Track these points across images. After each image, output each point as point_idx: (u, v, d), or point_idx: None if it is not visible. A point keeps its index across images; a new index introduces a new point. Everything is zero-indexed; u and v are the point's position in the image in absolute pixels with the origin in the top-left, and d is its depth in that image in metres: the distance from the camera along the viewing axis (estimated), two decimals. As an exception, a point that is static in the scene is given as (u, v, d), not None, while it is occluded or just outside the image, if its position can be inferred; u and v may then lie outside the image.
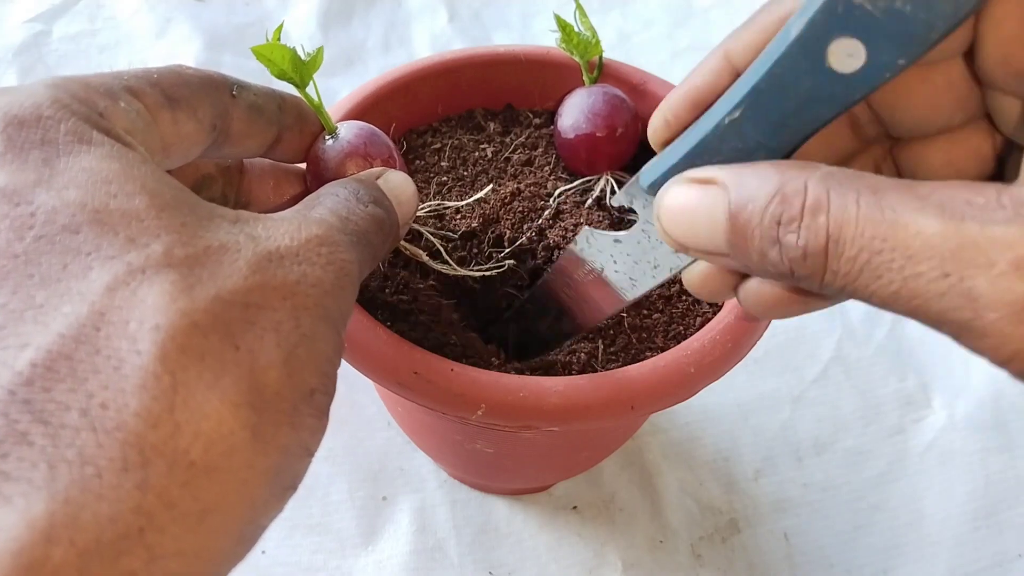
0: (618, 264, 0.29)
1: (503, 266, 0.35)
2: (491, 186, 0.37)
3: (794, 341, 0.58)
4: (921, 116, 0.24)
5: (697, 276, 0.26)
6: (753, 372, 0.55)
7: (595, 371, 0.33)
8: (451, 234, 0.36)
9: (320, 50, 0.29)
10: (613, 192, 0.40)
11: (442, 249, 0.34)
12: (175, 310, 0.18)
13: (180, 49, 0.70)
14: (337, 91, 0.67)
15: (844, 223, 0.19)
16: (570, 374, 0.32)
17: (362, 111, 0.38)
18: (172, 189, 0.20)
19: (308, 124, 0.30)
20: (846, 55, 0.20)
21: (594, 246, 0.29)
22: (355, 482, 0.49)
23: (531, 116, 0.44)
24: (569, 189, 0.40)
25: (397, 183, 0.29)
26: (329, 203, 0.24)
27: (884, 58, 0.20)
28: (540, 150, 0.42)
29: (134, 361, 0.17)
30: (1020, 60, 0.20)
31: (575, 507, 0.49)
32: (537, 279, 0.36)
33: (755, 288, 0.25)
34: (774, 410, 0.55)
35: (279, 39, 0.28)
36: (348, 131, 0.30)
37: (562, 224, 0.37)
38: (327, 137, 0.30)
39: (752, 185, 0.21)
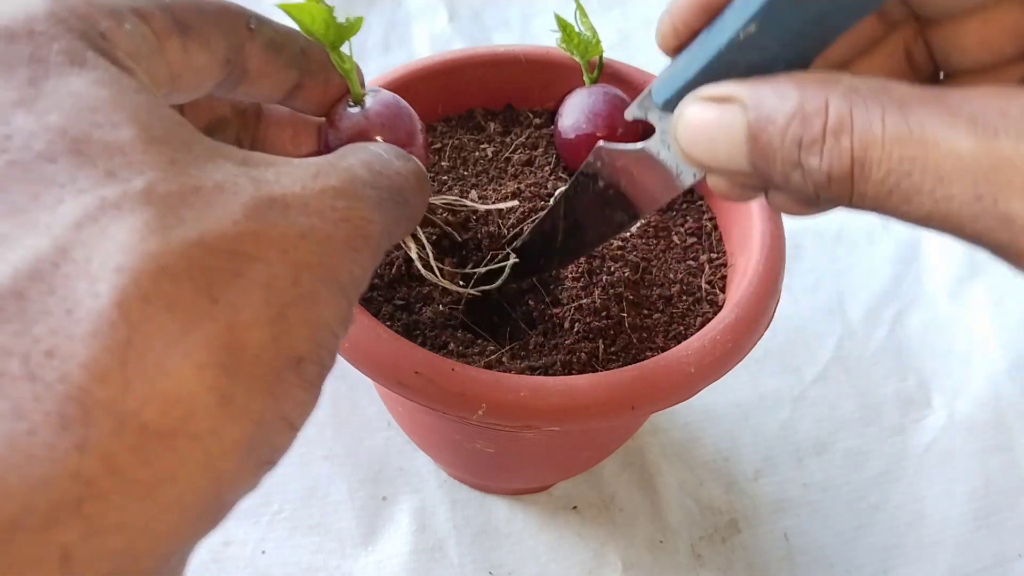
0: (641, 171, 0.27)
1: (503, 267, 0.35)
2: (516, 201, 0.36)
3: (794, 341, 0.58)
4: None
5: (724, 182, 0.24)
6: (753, 372, 0.55)
7: (595, 371, 0.33)
8: (454, 233, 0.36)
9: (359, 19, 0.26)
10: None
11: (430, 254, 0.32)
12: (143, 251, 0.15)
13: (180, 49, 0.70)
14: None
15: (870, 144, 0.18)
16: (570, 374, 0.32)
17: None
18: (167, 122, 0.18)
19: (334, 76, 0.27)
20: None
21: (608, 161, 0.27)
22: (355, 482, 0.49)
23: (531, 116, 0.44)
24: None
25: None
26: (362, 155, 0.22)
27: None
28: (540, 150, 0.42)
29: (89, 304, 0.15)
30: None
31: (575, 507, 0.49)
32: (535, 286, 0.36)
33: (783, 197, 0.23)
34: (774, 410, 0.55)
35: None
36: (375, 102, 0.28)
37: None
38: (351, 103, 0.28)
39: (771, 103, 0.19)
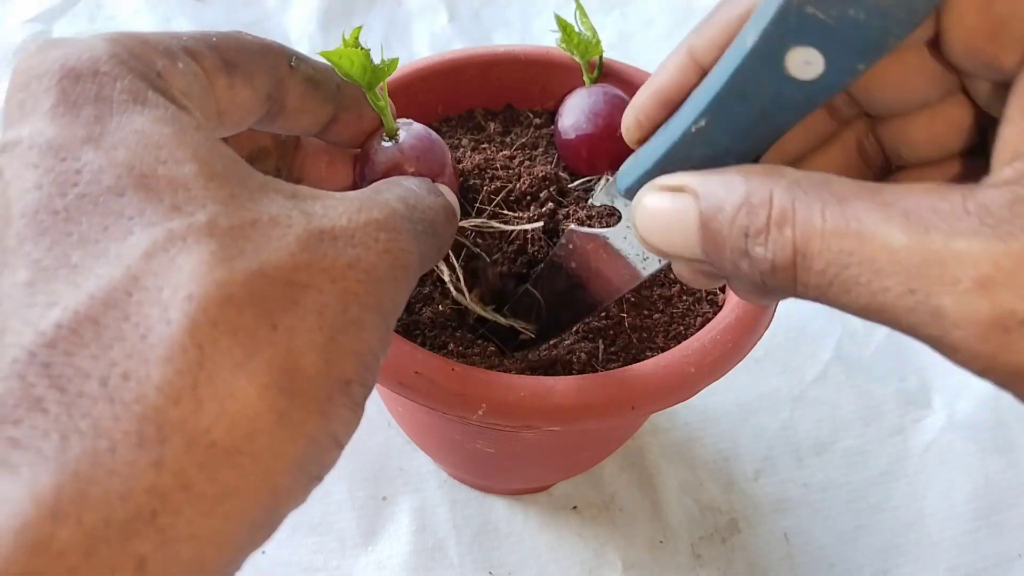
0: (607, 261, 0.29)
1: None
2: (540, 222, 0.36)
3: (794, 341, 0.58)
4: (897, 96, 0.23)
5: (685, 270, 0.26)
6: (753, 372, 0.55)
7: (595, 371, 0.33)
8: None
9: (395, 60, 0.28)
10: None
11: (460, 277, 0.33)
12: (211, 280, 0.17)
13: (180, 49, 0.70)
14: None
15: (810, 236, 0.18)
16: (570, 374, 0.32)
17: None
18: (224, 158, 0.20)
19: (367, 110, 0.28)
20: (804, 63, 0.20)
21: (578, 244, 0.29)
22: (355, 482, 0.49)
23: (531, 116, 0.44)
24: (570, 189, 0.40)
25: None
26: (397, 190, 0.23)
27: (842, 64, 0.19)
28: (540, 150, 0.42)
29: (162, 331, 0.16)
30: (984, 51, 0.20)
31: (575, 507, 0.49)
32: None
33: (738, 284, 0.24)
34: (774, 410, 0.54)
35: (356, 43, 0.27)
36: (408, 136, 0.29)
37: (567, 211, 0.37)
38: (385, 137, 0.29)
39: (720, 194, 0.20)
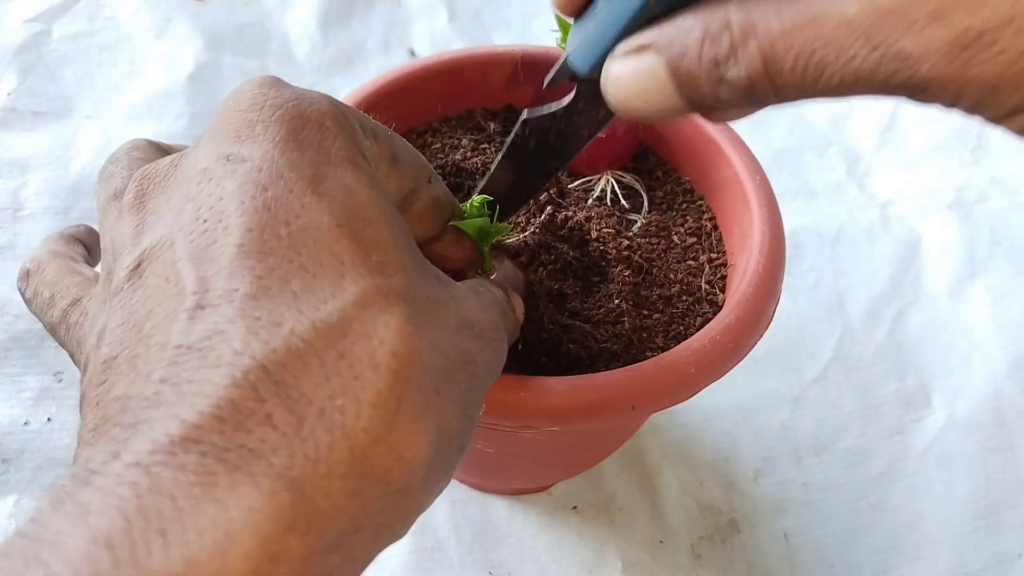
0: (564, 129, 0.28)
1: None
2: (538, 224, 0.37)
3: (794, 341, 0.58)
4: None
5: (667, 118, 0.26)
6: (753, 372, 0.55)
7: (595, 371, 0.33)
8: None
9: (507, 227, 0.32)
10: (614, 192, 0.40)
11: None
12: (409, 342, 0.19)
13: (180, 49, 0.70)
14: (337, 91, 0.67)
15: (774, 40, 0.19)
16: (570, 374, 0.32)
17: (362, 111, 0.38)
18: (405, 233, 0.22)
19: (464, 243, 0.31)
20: None
21: (532, 127, 0.29)
22: (355, 482, 0.49)
23: (531, 116, 0.44)
24: (570, 189, 0.40)
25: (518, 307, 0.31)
26: (493, 296, 0.27)
27: None
28: (540, 150, 0.42)
29: (370, 378, 0.18)
30: None
31: (575, 507, 0.49)
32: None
33: (720, 113, 0.25)
34: (774, 410, 0.55)
35: (477, 212, 0.30)
36: (501, 274, 0.33)
37: (567, 213, 0.37)
38: (480, 272, 0.32)
39: (680, 38, 0.21)
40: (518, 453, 0.40)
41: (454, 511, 0.48)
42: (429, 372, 0.19)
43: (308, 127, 0.22)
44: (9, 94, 0.65)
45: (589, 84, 0.26)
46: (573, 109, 0.27)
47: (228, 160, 0.21)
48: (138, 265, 0.21)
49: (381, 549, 0.20)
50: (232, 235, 0.19)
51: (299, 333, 0.18)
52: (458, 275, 0.33)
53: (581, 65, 0.25)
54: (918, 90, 0.19)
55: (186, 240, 0.20)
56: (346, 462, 0.17)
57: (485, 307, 0.24)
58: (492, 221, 0.31)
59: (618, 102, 0.23)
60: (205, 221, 0.20)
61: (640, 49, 0.22)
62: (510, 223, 0.37)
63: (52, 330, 0.26)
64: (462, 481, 0.49)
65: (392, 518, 0.19)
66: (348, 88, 0.42)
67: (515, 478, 0.47)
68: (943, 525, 0.50)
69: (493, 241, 0.32)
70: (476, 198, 0.30)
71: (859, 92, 0.20)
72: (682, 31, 0.21)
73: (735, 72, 0.20)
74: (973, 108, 0.19)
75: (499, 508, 0.49)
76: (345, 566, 0.18)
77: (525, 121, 0.29)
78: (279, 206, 0.20)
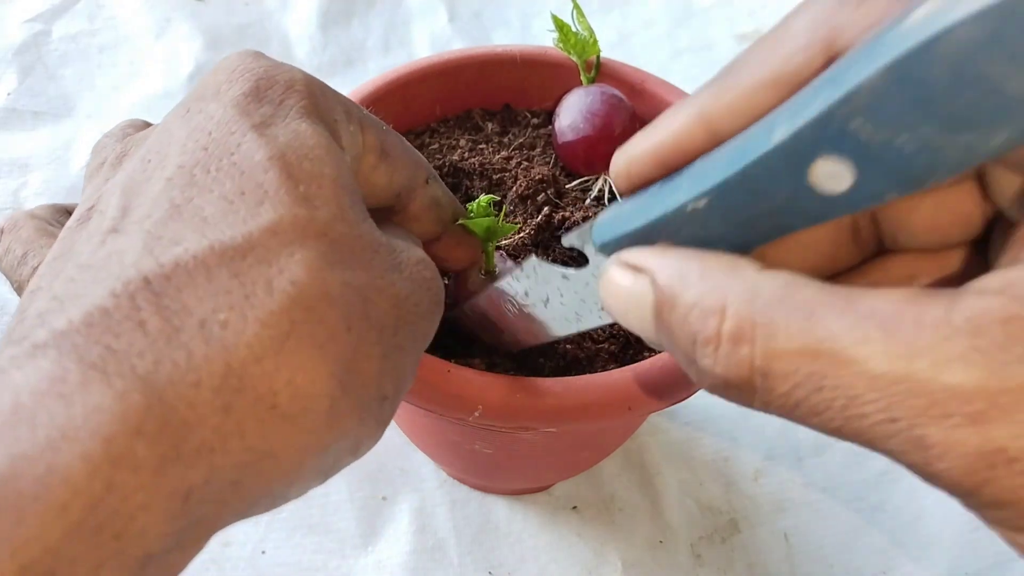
0: (564, 297, 0.27)
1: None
2: (532, 225, 0.37)
3: (794, 341, 0.57)
4: (919, 230, 0.21)
5: None
6: (753, 372, 0.55)
7: (593, 371, 0.33)
8: None
9: (514, 227, 0.31)
10: (611, 192, 0.40)
11: None
12: (315, 275, 0.19)
13: (180, 49, 0.70)
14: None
15: (773, 357, 0.17)
16: (567, 375, 0.32)
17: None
18: (352, 179, 0.22)
19: (465, 242, 0.31)
20: (830, 176, 0.17)
21: (541, 276, 0.27)
22: (355, 482, 0.49)
23: (529, 116, 0.44)
24: (568, 189, 0.40)
25: None
26: (416, 241, 0.27)
27: (873, 188, 0.17)
28: (538, 150, 0.42)
29: (263, 298, 0.18)
30: None
31: (575, 507, 0.49)
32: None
33: None
34: (774, 410, 0.54)
35: (483, 211, 0.30)
36: (502, 273, 0.32)
37: (564, 214, 0.37)
38: (483, 272, 0.32)
39: (674, 287, 0.19)
40: (517, 453, 0.40)
41: (454, 511, 0.48)
42: (338, 307, 0.19)
43: (274, 87, 0.22)
44: (9, 94, 0.65)
45: (599, 261, 0.24)
46: (585, 281, 0.26)
47: (188, 112, 0.22)
48: (89, 207, 0.21)
49: (264, 487, 0.18)
50: (165, 171, 0.20)
51: (193, 251, 0.18)
52: (460, 277, 0.33)
53: (597, 237, 0.24)
54: (924, 475, 0.17)
55: (129, 179, 0.21)
56: (220, 375, 0.17)
57: (413, 247, 0.24)
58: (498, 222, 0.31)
59: (604, 304, 0.22)
60: (148, 162, 0.21)
61: (638, 269, 0.20)
62: (515, 223, 0.37)
63: (19, 290, 0.26)
64: (462, 481, 0.49)
65: (277, 446, 0.18)
66: (348, 88, 0.42)
67: (515, 478, 0.47)
68: (943, 525, 0.50)
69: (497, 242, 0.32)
70: (484, 197, 0.30)
71: (852, 442, 0.17)
72: (679, 279, 0.19)
73: (709, 364, 0.18)
74: (975, 508, 0.17)
75: (499, 508, 0.49)
76: (208, 486, 0.17)
77: (537, 262, 0.27)
78: (217, 146, 0.20)
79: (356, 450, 0.21)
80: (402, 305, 0.21)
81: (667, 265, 0.20)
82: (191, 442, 0.16)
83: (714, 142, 0.21)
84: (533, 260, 0.27)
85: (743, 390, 0.18)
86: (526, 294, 0.28)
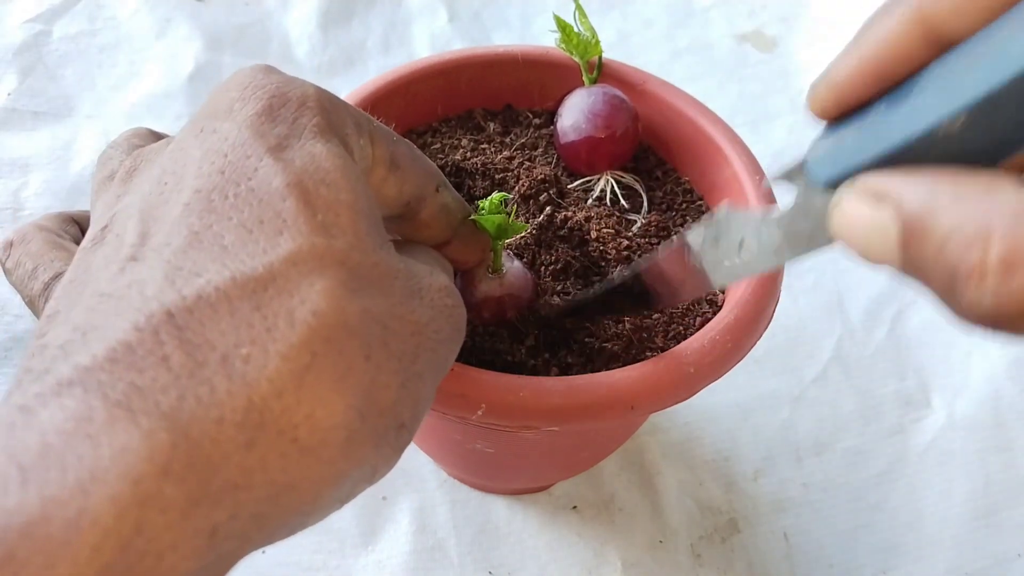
0: (762, 239, 0.24)
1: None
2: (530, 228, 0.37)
3: (794, 341, 0.58)
4: None
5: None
6: (753, 372, 0.55)
7: (595, 371, 0.33)
8: None
9: (522, 226, 0.31)
10: (614, 192, 0.40)
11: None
12: (335, 304, 0.19)
13: (180, 49, 0.70)
14: (337, 91, 0.66)
15: None
16: (571, 374, 0.32)
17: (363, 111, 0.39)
18: (370, 202, 0.22)
19: (476, 244, 0.31)
20: None
21: (733, 223, 0.25)
22: (355, 482, 0.49)
23: (531, 116, 0.44)
24: (570, 189, 0.40)
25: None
26: (441, 264, 0.27)
27: None
28: (540, 150, 0.42)
29: (284, 331, 0.18)
30: None
31: (575, 507, 0.49)
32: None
33: None
34: (774, 410, 0.54)
35: (495, 209, 0.30)
36: (511, 274, 0.33)
37: (566, 214, 0.37)
38: (491, 272, 0.32)
39: (924, 216, 0.17)
40: (518, 453, 0.40)
41: (454, 511, 0.48)
42: (358, 336, 0.19)
43: (287, 105, 0.22)
44: (9, 94, 0.65)
45: (815, 197, 0.22)
46: (791, 220, 0.23)
47: (201, 131, 0.21)
48: (103, 227, 0.21)
49: (284, 519, 0.18)
50: (182, 195, 0.20)
51: (215, 283, 0.18)
52: (466, 276, 0.33)
53: (818, 173, 0.21)
54: None
55: (144, 201, 0.20)
56: (242, 410, 0.17)
57: (435, 274, 0.24)
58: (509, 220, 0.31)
59: (837, 234, 0.20)
60: (165, 184, 0.21)
61: (880, 197, 0.18)
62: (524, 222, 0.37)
63: (31, 304, 0.26)
64: (462, 481, 0.49)
65: (297, 479, 0.18)
66: (348, 88, 0.42)
67: (515, 478, 0.47)
68: (943, 525, 0.50)
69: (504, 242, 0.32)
70: (496, 195, 0.30)
71: None
72: (929, 203, 0.17)
73: (974, 297, 0.16)
74: None
75: (499, 508, 0.49)
76: (233, 523, 0.17)
77: (728, 209, 0.25)
78: (233, 170, 0.20)
79: (373, 476, 0.21)
80: (422, 332, 0.21)
81: (914, 190, 0.17)
82: (217, 480, 0.16)
83: (939, 49, 0.18)
84: (724, 208, 0.26)
85: (1016, 323, 0.16)
86: (715, 241, 0.26)
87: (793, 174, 0.22)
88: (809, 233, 0.22)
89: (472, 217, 0.29)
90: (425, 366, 0.21)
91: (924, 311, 0.60)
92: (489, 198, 0.30)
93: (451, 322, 0.23)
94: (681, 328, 0.35)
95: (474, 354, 0.33)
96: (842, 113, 0.21)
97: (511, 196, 0.38)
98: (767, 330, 0.34)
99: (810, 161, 0.21)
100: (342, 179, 0.21)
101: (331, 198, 0.20)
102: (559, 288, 0.35)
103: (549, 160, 0.41)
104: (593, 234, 0.37)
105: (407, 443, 0.21)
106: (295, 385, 0.18)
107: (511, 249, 0.36)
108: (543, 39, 0.43)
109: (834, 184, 0.20)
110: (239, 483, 0.17)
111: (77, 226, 0.31)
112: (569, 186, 0.40)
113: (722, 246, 0.26)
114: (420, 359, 0.21)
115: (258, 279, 0.18)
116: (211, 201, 0.19)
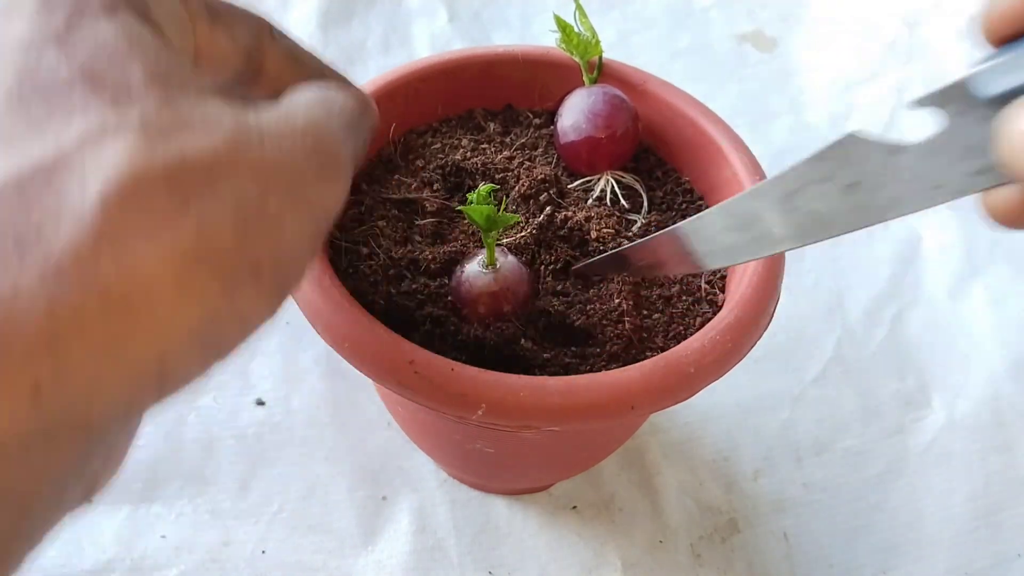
0: (903, 173, 0.23)
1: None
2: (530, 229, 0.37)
3: (794, 341, 0.58)
4: None
5: (1003, 201, 0.22)
6: (753, 372, 0.55)
7: (595, 371, 0.33)
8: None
9: (513, 218, 0.31)
10: (614, 192, 0.40)
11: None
12: (129, 165, 0.18)
13: (180, 49, 0.70)
14: (337, 91, 0.67)
15: None
16: (572, 374, 0.32)
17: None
18: (172, 65, 0.21)
19: (352, 92, 0.29)
20: None
21: (858, 153, 0.24)
22: (355, 482, 0.49)
23: (531, 116, 0.44)
24: (570, 189, 0.40)
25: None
26: (311, 95, 0.24)
27: None
28: (540, 150, 0.42)
29: (76, 201, 0.18)
30: None
31: (575, 507, 0.49)
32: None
33: None
34: (774, 410, 0.54)
35: (483, 200, 0.29)
36: (505, 269, 0.33)
37: (566, 213, 0.37)
38: (486, 267, 0.32)
39: None
40: (518, 453, 0.40)
41: (454, 511, 0.48)
42: (169, 189, 0.18)
43: None
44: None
45: (974, 115, 0.21)
46: (940, 146, 0.22)
47: None
48: None
49: (132, 374, 0.18)
50: None
51: (2, 172, 0.18)
52: (460, 275, 0.32)
53: (984, 87, 0.20)
54: None
55: None
56: (39, 275, 0.17)
57: (291, 113, 0.22)
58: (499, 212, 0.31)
59: (1003, 156, 0.19)
60: None
61: None
62: (522, 217, 0.37)
63: None
64: (462, 481, 0.49)
65: (128, 333, 0.18)
66: (348, 88, 0.42)
67: (515, 478, 0.47)
68: (943, 525, 0.50)
69: (496, 237, 0.32)
70: (484, 186, 0.30)
71: None
72: None
73: None
74: None
75: (499, 508, 0.49)
76: (58, 379, 0.17)
77: (854, 137, 0.24)
78: (16, 71, 0.20)
79: (243, 324, 0.20)
80: (271, 175, 0.20)
81: None
82: (23, 338, 0.17)
83: None
84: (851, 134, 0.24)
85: None
86: (829, 178, 0.25)
87: (946, 96, 0.21)
88: (961, 157, 0.21)
89: (460, 208, 0.28)
90: (284, 208, 0.20)
91: (924, 311, 0.60)
92: (477, 189, 0.30)
93: (316, 160, 0.21)
94: (681, 328, 0.35)
95: (472, 350, 0.33)
96: (1015, 34, 0.20)
97: (508, 196, 0.38)
98: (767, 330, 0.34)
99: (978, 75, 0.20)
100: (130, 50, 0.20)
101: (120, 73, 0.20)
102: (559, 288, 0.35)
103: (549, 160, 0.41)
104: (593, 234, 0.37)
105: (279, 289, 0.21)
106: (93, 243, 0.17)
107: (511, 249, 0.36)
108: (543, 39, 0.43)
109: (1005, 99, 0.20)
110: (51, 340, 0.17)
111: None
112: (569, 186, 0.40)
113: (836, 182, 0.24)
114: (272, 201, 0.20)
115: (47, 162, 0.18)
116: (8, 103, 0.19)
